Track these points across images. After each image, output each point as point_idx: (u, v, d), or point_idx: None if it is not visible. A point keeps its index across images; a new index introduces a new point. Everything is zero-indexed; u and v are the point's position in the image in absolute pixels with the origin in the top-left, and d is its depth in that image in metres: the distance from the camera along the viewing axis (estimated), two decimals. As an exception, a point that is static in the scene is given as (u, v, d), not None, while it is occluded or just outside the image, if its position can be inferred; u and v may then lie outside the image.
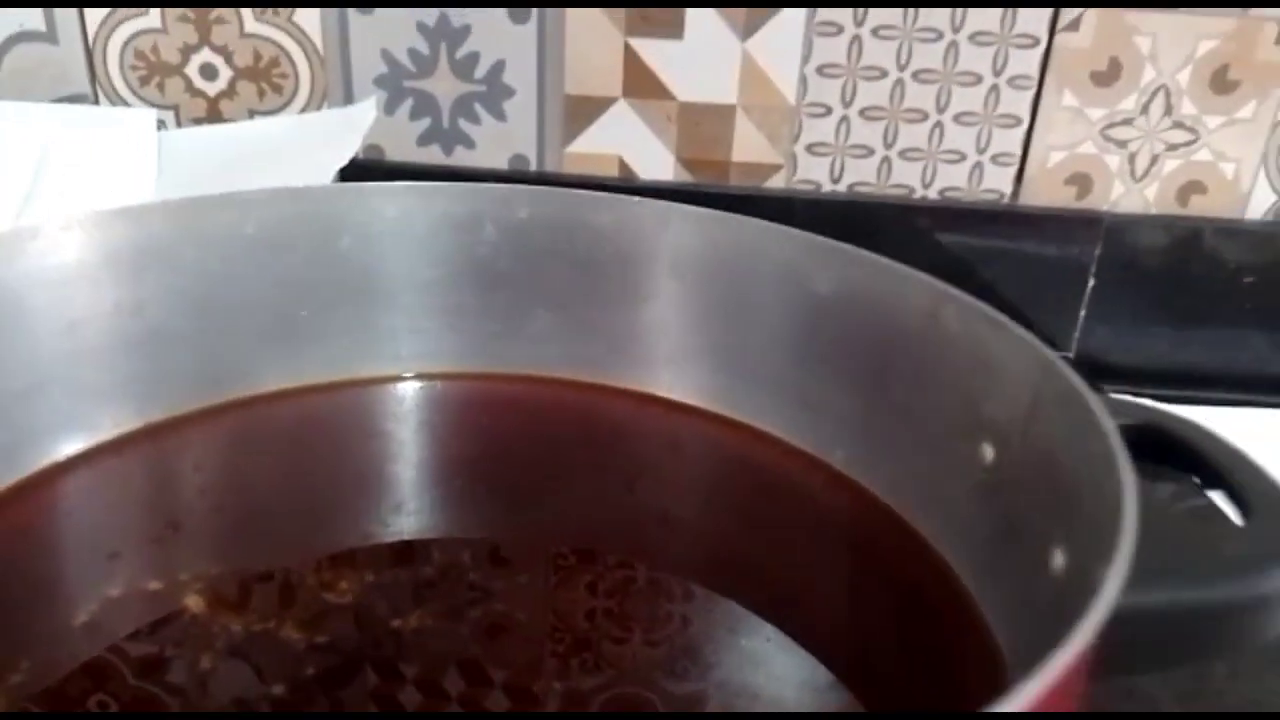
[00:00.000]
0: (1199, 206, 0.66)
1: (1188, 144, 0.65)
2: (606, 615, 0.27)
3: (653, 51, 0.65)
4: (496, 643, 0.25)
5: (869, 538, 0.30)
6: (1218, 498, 0.25)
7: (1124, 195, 0.66)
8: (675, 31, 0.64)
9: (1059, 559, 0.22)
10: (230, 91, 0.68)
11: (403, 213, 0.36)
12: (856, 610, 0.28)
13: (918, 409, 0.30)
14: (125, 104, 0.68)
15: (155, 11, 0.65)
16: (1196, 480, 0.26)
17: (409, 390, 0.36)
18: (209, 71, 0.67)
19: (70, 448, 0.31)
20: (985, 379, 0.27)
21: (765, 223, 0.33)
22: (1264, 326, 0.67)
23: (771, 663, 0.26)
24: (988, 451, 0.27)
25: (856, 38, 0.63)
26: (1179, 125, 0.64)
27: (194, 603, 0.25)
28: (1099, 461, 0.21)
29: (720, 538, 0.31)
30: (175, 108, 0.68)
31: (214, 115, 0.68)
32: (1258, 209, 0.67)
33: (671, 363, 0.36)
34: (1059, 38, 0.62)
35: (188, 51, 0.67)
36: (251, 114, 0.68)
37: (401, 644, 0.25)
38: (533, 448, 0.33)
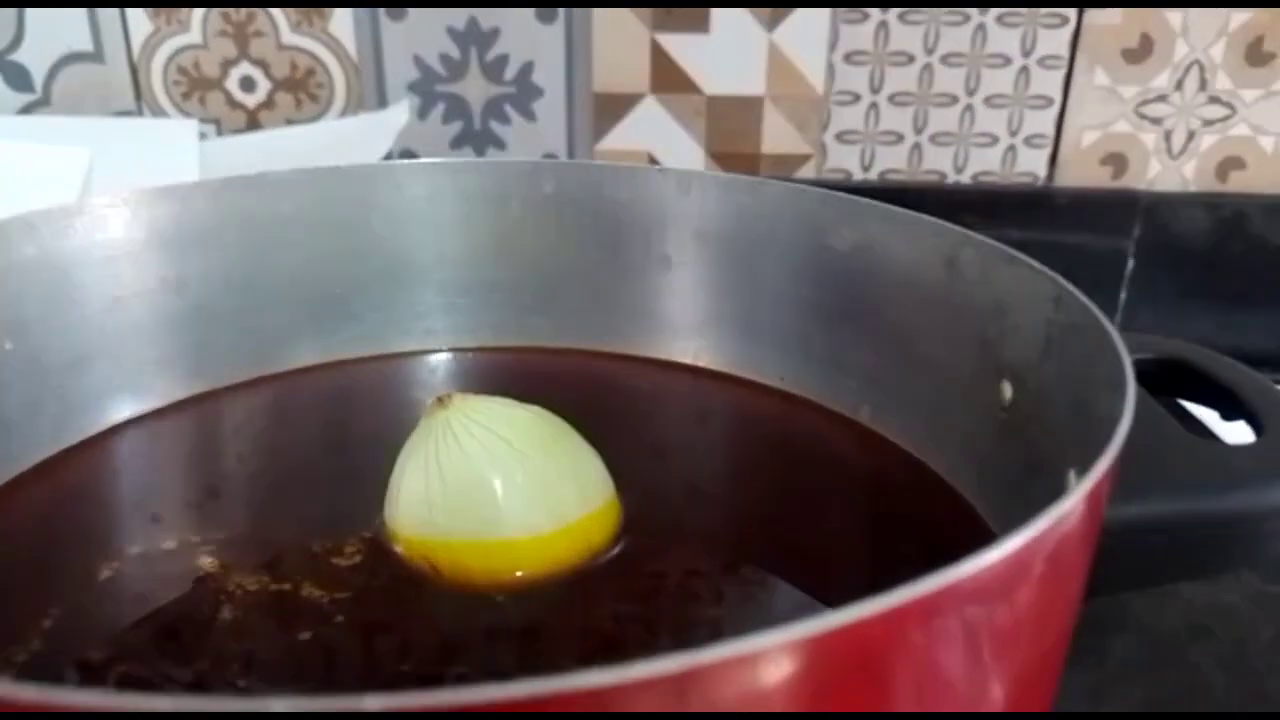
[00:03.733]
0: (1239, 182, 0.65)
1: (1224, 119, 0.64)
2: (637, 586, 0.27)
3: (679, 46, 0.66)
4: (526, 596, 0.25)
5: (897, 489, 0.30)
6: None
7: (1161, 173, 0.65)
8: (701, 25, 0.65)
9: (1073, 483, 0.22)
10: (269, 103, 0.70)
11: (431, 191, 0.37)
12: (887, 563, 0.28)
13: (939, 359, 0.30)
14: (168, 118, 0.70)
15: (196, 28, 0.68)
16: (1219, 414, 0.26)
17: (440, 363, 0.37)
18: (248, 84, 0.69)
19: (115, 417, 0.32)
20: (1001, 320, 0.27)
21: (783, 183, 0.33)
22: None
23: (748, 612, 0.25)
24: (1006, 391, 0.27)
25: (883, 24, 0.63)
26: (1215, 100, 0.63)
27: (209, 563, 0.26)
28: (1110, 382, 0.21)
29: (751, 501, 0.31)
30: (217, 121, 0.70)
31: (254, 126, 0.70)
32: (1300, 182, 0.65)
33: (697, 330, 0.36)
34: (1088, 15, 0.62)
35: (227, 65, 0.69)
36: (289, 123, 0.70)
37: (424, 598, 0.25)
38: (560, 415, 0.33)
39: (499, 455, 0.26)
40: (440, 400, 0.27)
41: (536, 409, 0.28)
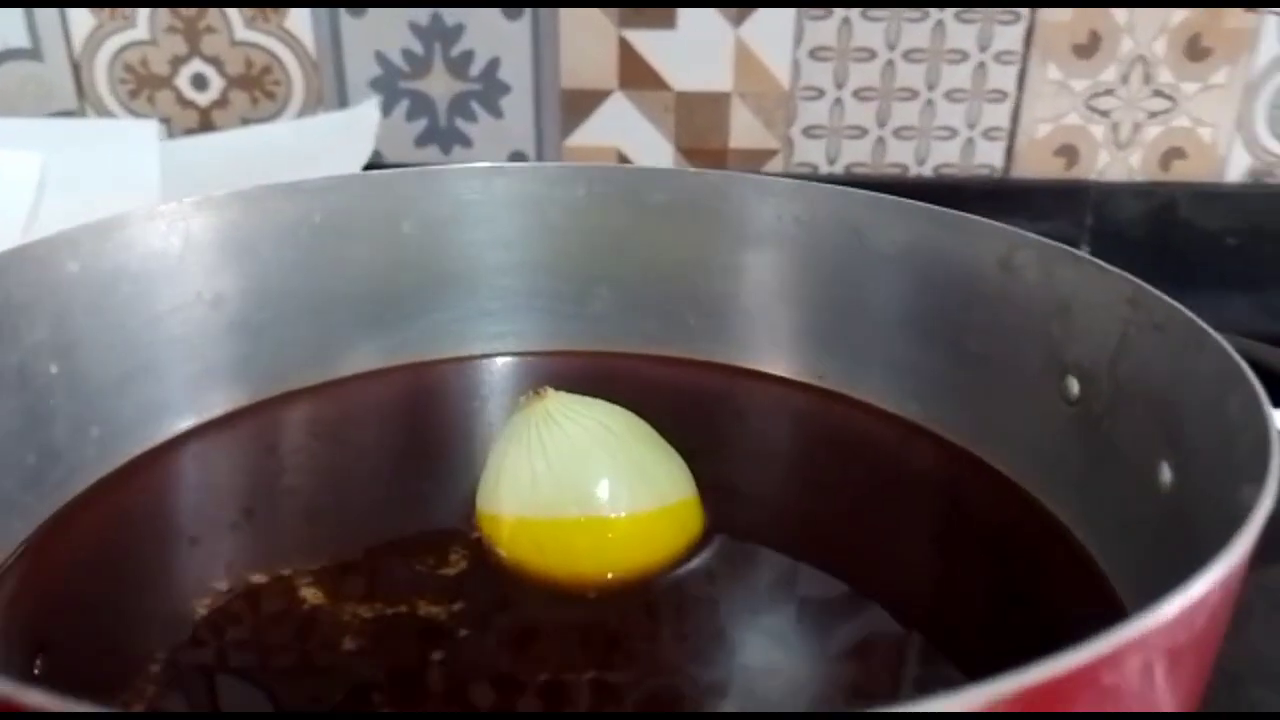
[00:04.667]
0: (1180, 171, 0.69)
1: (1166, 111, 0.67)
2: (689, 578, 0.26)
3: (647, 43, 0.66)
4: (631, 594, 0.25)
5: (953, 486, 0.31)
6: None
7: (1109, 164, 0.68)
8: (668, 22, 0.65)
9: (1167, 474, 0.24)
10: (223, 101, 0.67)
11: (465, 197, 0.36)
12: (949, 566, 0.29)
13: (995, 356, 0.31)
14: (115, 118, 0.67)
15: (143, 24, 0.65)
16: None
17: (484, 369, 0.37)
18: (200, 82, 0.67)
19: (159, 437, 0.31)
20: (1065, 320, 0.28)
21: (828, 186, 0.34)
22: (1248, 288, 0.69)
23: (846, 626, 0.26)
24: (1073, 386, 0.28)
25: (846, 20, 0.65)
26: (1158, 93, 0.67)
27: (313, 595, 0.25)
28: (1212, 376, 0.22)
29: (800, 503, 0.31)
30: (167, 120, 0.68)
31: (206, 126, 0.68)
32: (1235, 172, 0.69)
33: (739, 331, 0.37)
34: (1040, 12, 0.64)
35: (177, 63, 0.66)
36: (245, 122, 0.68)
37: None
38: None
39: (601, 438, 0.27)
40: (537, 393, 0.27)
41: (619, 407, 0.28)
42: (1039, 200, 0.68)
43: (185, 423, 0.31)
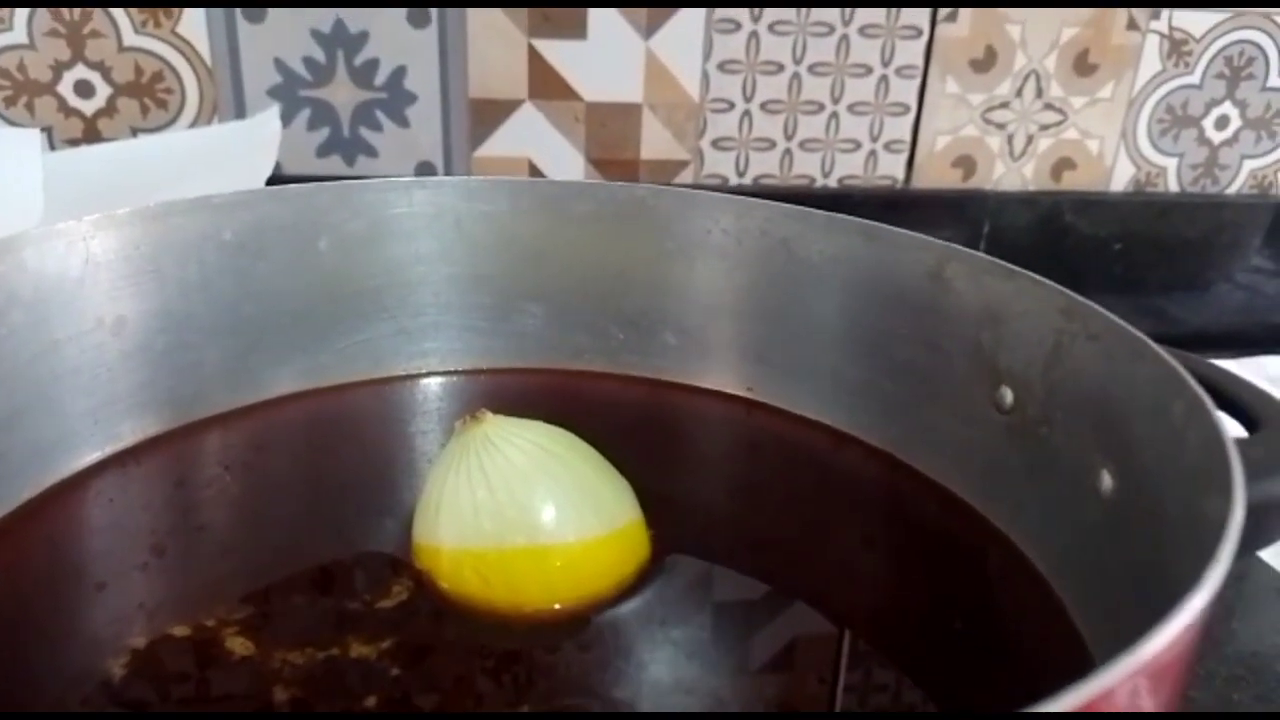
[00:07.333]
0: (1070, 181, 0.72)
1: (1058, 124, 0.70)
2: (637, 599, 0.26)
3: (557, 52, 0.65)
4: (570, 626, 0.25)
5: (884, 495, 0.31)
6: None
7: (1005, 175, 0.71)
8: (578, 32, 0.65)
9: (1107, 481, 0.24)
10: (110, 109, 0.64)
11: (384, 211, 0.35)
12: (890, 573, 0.29)
13: (926, 366, 0.31)
14: (-8, 126, 0.63)
15: (21, 26, 0.61)
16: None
17: (403, 391, 0.35)
18: (85, 89, 0.63)
19: (56, 475, 0.28)
20: (996, 330, 0.29)
21: (756, 200, 0.34)
22: (1131, 291, 0.73)
23: (797, 638, 0.26)
24: (1006, 395, 0.29)
25: (754, 34, 0.65)
26: (1049, 106, 0.69)
27: (241, 645, 0.23)
28: (1152, 383, 0.22)
29: (746, 521, 0.31)
30: (48, 129, 0.64)
31: (92, 135, 0.64)
32: (1120, 181, 0.72)
33: (668, 345, 0.36)
34: (939, 28, 0.66)
35: (60, 68, 0.63)
36: (134, 132, 0.65)
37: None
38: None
39: (545, 463, 0.26)
40: (474, 417, 0.26)
41: (558, 428, 0.27)
42: (938, 210, 0.70)
43: (88, 458, 0.29)
